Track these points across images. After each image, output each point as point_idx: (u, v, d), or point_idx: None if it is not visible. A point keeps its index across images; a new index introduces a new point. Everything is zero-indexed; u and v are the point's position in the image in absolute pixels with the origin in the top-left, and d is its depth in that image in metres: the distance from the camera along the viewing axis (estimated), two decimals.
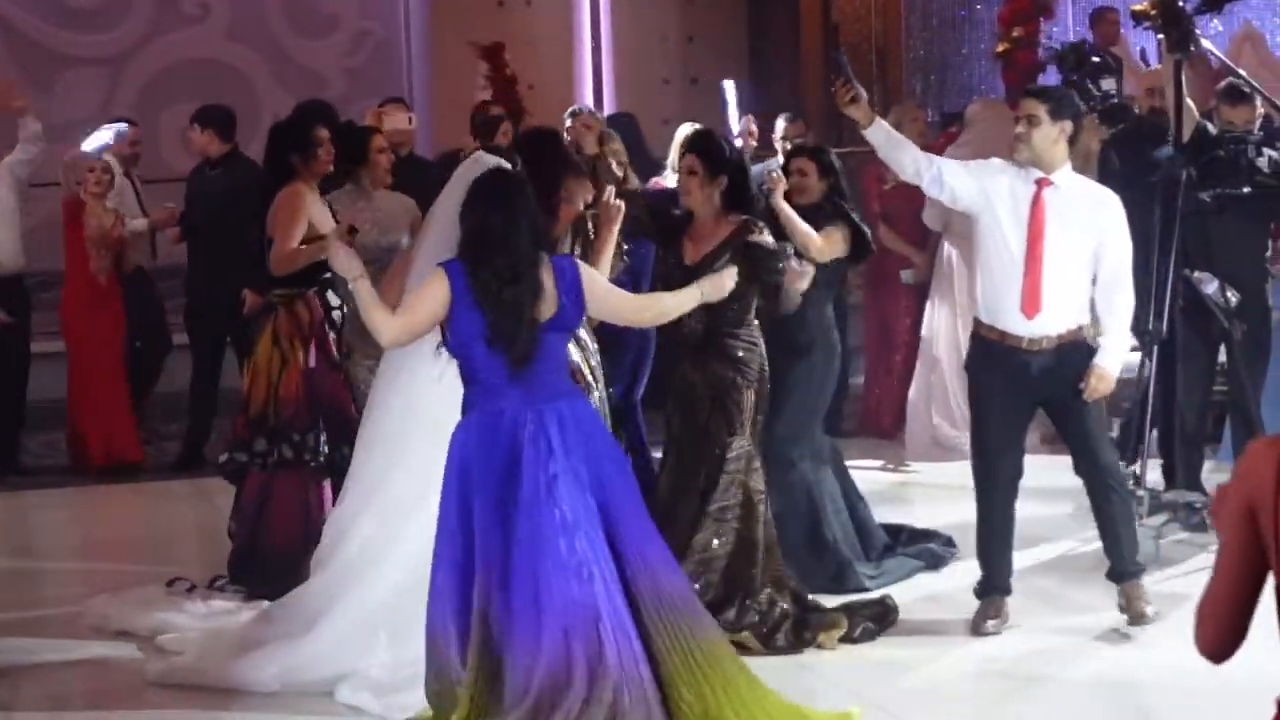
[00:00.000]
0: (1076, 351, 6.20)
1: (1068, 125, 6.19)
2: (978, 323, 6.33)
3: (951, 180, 6.28)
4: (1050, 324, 6.16)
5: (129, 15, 14.25)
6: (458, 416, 5.32)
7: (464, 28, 13.42)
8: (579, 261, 5.32)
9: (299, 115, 7.86)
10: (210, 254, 9.67)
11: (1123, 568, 6.31)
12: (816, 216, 7.02)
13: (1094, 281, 6.23)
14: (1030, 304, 6.14)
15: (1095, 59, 10.22)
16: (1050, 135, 6.16)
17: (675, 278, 6.18)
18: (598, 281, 5.27)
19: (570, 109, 10.30)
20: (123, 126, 10.43)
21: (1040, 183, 6.19)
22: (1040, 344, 6.15)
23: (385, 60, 14.57)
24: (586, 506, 4.99)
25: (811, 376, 7.05)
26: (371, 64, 14.49)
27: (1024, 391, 6.25)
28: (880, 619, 6.39)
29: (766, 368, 6.45)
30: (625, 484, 5.16)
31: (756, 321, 6.47)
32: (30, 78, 13.86)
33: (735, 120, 10.89)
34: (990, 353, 6.26)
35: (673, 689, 4.97)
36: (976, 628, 6.34)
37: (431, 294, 5.08)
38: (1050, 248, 6.13)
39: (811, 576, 6.70)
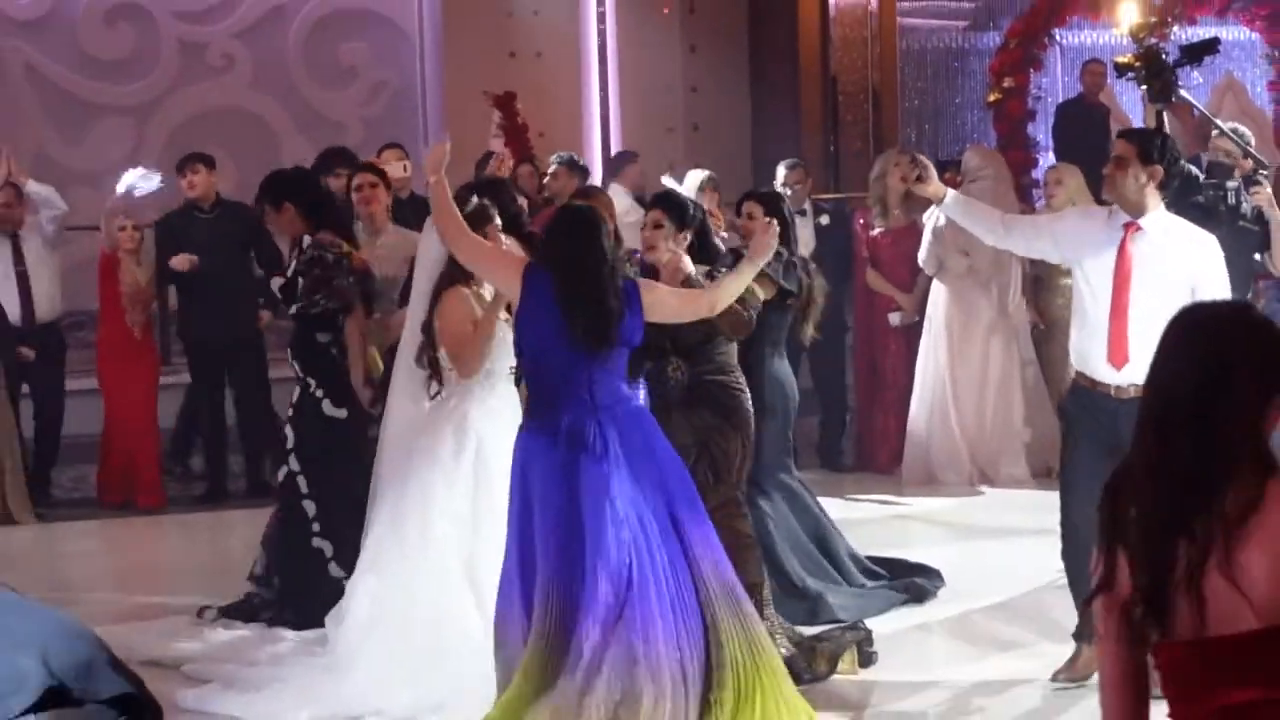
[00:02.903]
0: None
1: (1157, 170, 5.95)
2: (1075, 369, 6.16)
3: (1034, 242, 6.28)
4: (1140, 374, 5.95)
5: (156, 65, 14.48)
6: (457, 449, 6.06)
7: (477, 78, 13.58)
8: (635, 279, 5.66)
9: None
10: (213, 294, 9.90)
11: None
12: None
13: None
14: (1117, 354, 5.93)
15: None
16: (1139, 179, 5.95)
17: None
18: (652, 288, 5.60)
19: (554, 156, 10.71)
20: (154, 178, 10.41)
21: (1127, 227, 5.98)
22: (1129, 392, 5.77)
23: (401, 109, 14.76)
24: (645, 501, 5.34)
25: (764, 421, 6.85)
26: (388, 113, 14.67)
27: (1111, 439, 5.79)
28: (864, 645, 6.47)
29: (752, 415, 6.44)
30: (682, 483, 5.49)
31: (739, 369, 6.51)
32: (60, 126, 14.18)
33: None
34: (1084, 399, 6.06)
35: (721, 671, 5.30)
36: (1055, 675, 6.17)
37: (509, 259, 5.68)
38: (1137, 295, 5.90)
39: (784, 612, 6.70)
